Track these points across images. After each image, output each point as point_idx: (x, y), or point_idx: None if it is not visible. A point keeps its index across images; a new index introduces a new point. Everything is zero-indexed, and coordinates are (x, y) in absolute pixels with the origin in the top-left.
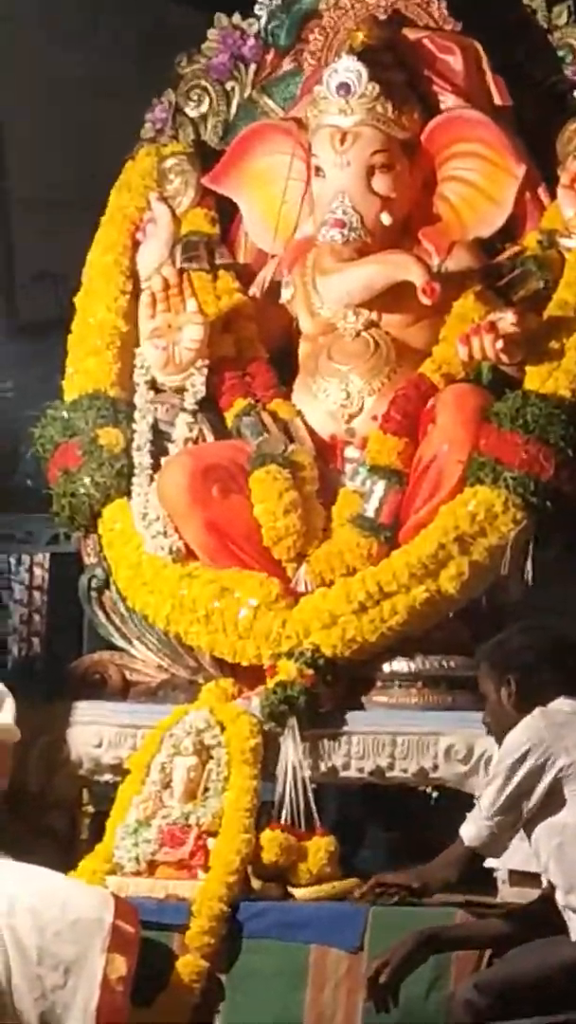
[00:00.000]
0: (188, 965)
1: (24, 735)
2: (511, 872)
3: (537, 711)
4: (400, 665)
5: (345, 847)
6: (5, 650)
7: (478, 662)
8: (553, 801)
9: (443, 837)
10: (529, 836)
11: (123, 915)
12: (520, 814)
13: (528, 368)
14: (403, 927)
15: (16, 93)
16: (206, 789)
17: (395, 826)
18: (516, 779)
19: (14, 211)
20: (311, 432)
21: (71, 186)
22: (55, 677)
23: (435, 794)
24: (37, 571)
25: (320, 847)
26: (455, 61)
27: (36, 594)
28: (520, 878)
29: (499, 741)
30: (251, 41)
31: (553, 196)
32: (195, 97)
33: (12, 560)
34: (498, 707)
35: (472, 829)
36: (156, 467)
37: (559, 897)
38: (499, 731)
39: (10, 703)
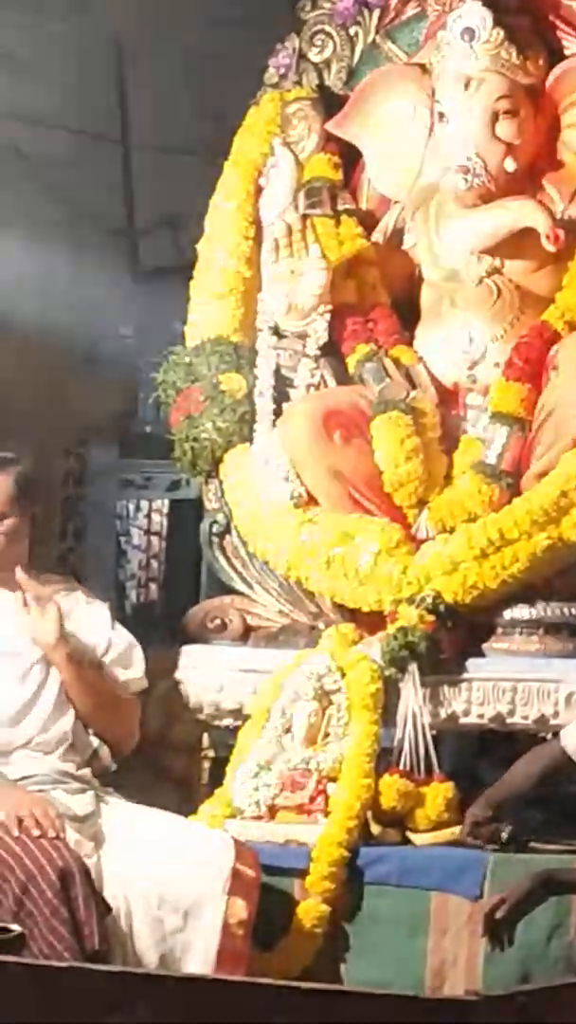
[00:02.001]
0: (309, 910)
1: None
2: None
3: None
4: (521, 612)
5: (464, 794)
6: (124, 595)
7: None
8: None
9: (562, 784)
10: None
11: (243, 859)
12: None
13: None
14: (522, 873)
15: (137, 36)
16: (326, 734)
17: None
18: None
19: (134, 156)
20: (433, 378)
21: (192, 131)
22: (173, 622)
23: None
24: (156, 517)
25: (439, 793)
26: None
27: (154, 540)
28: None
29: None
30: None
31: None
32: (319, 42)
33: (131, 506)
34: None
35: (572, 730)
36: (278, 413)
37: None
38: None
39: (139, 655)
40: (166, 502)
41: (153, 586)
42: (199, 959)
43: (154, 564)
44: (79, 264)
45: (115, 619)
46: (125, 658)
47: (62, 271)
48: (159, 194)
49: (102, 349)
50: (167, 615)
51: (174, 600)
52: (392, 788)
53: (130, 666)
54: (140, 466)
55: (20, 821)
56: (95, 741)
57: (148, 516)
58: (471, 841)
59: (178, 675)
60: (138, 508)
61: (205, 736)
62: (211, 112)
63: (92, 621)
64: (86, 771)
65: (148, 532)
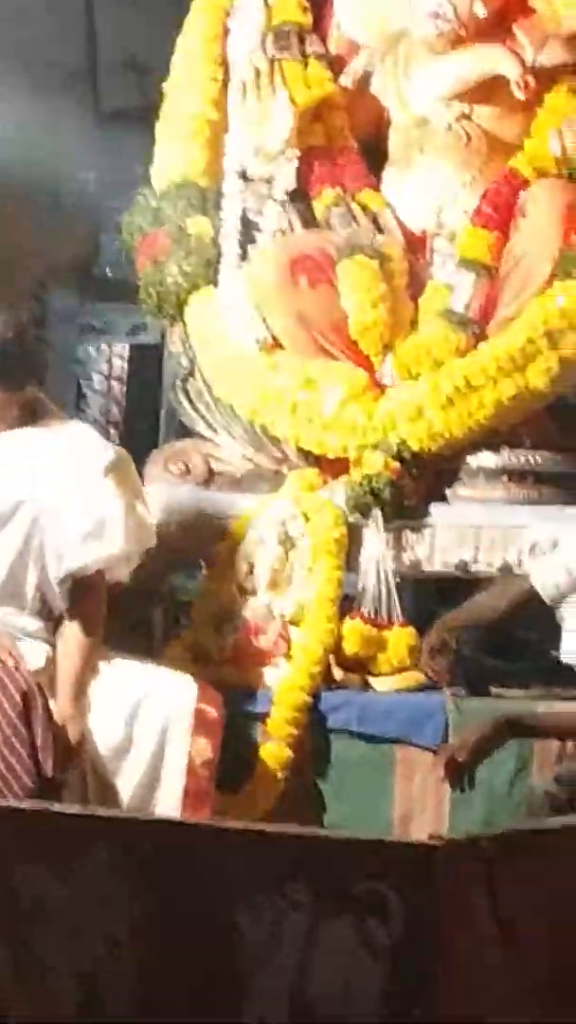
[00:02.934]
0: (272, 753)
1: None
2: None
3: None
4: (486, 459)
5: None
6: None
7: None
8: None
9: (524, 630)
10: None
11: (207, 700)
12: None
13: None
14: (484, 718)
15: None
16: (290, 579)
17: None
18: None
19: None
20: (400, 224)
21: None
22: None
23: None
24: (116, 361)
25: (401, 638)
26: None
27: (115, 384)
28: None
29: None
30: None
31: None
32: None
33: (92, 350)
34: None
35: (545, 569)
36: (244, 256)
37: None
38: None
39: (116, 525)
40: (127, 347)
41: (113, 431)
42: (165, 799)
43: (114, 409)
44: (39, 107)
45: None
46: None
47: (22, 115)
48: (122, 35)
49: (63, 193)
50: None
51: (134, 445)
52: (355, 633)
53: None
54: (101, 310)
55: None
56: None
57: (109, 361)
58: (429, 673)
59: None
60: (99, 352)
61: (170, 580)
62: None
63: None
64: (43, 624)
65: (109, 377)
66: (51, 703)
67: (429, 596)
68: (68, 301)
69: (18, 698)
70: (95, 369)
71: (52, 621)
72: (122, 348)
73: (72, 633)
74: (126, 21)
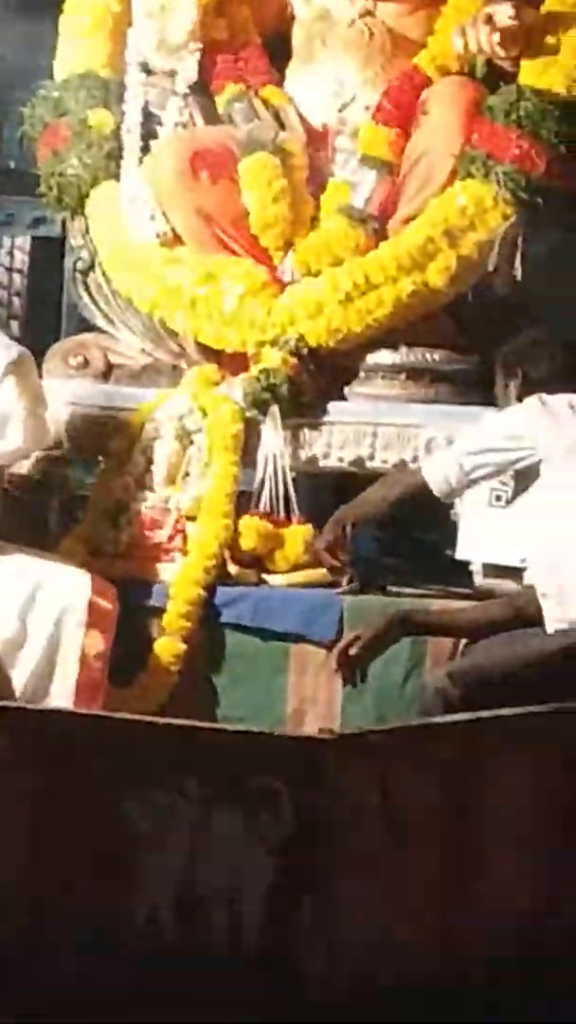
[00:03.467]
0: (166, 647)
1: None
2: (485, 565)
3: (536, 397)
4: (384, 357)
5: None
6: None
7: (494, 363)
8: (528, 481)
9: (421, 531)
10: (505, 524)
11: (101, 593)
12: (485, 469)
13: (523, 63)
14: (379, 615)
15: None
16: (186, 474)
17: None
18: (500, 439)
19: None
20: (302, 120)
21: None
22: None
23: None
24: (18, 254)
25: (298, 535)
26: None
27: (16, 277)
28: (495, 571)
29: None
30: None
31: None
32: None
33: None
34: (505, 403)
35: (435, 462)
36: (146, 150)
37: (535, 582)
38: None
39: (16, 423)
40: (28, 239)
41: (14, 324)
42: (59, 690)
43: (16, 301)
44: None
45: None
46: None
47: None
48: None
49: None
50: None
51: (36, 338)
52: (251, 529)
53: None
54: (3, 202)
55: None
56: None
57: (10, 253)
58: (325, 566)
59: (39, 411)
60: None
61: (65, 473)
62: None
63: None
64: None
65: (10, 269)
66: None
67: (326, 493)
68: None
69: None
70: None
71: None
72: (24, 240)
73: None
74: None
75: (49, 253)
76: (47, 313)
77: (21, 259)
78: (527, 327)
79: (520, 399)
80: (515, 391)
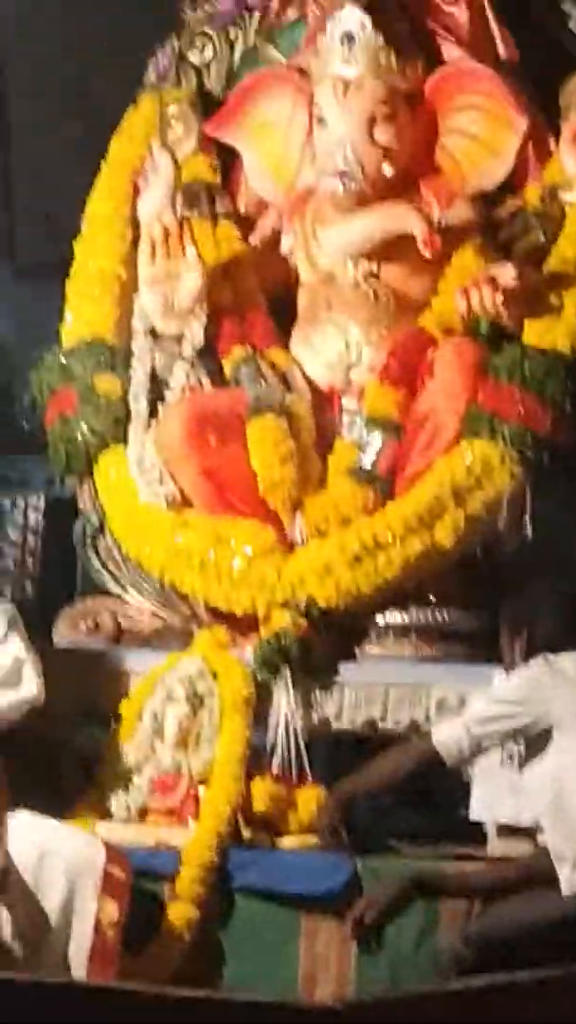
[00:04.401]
0: (178, 913)
1: None
2: (499, 826)
3: (542, 657)
4: (394, 617)
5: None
6: None
7: (480, 621)
8: (539, 745)
9: (433, 787)
10: (518, 785)
11: (114, 861)
12: (495, 737)
13: (527, 322)
14: (392, 877)
15: (17, 30)
16: (198, 737)
17: None
18: (508, 706)
19: (14, 151)
20: (309, 382)
21: (73, 129)
22: (48, 621)
23: None
24: (32, 514)
25: (310, 797)
26: (460, 12)
27: (31, 537)
28: (508, 832)
29: None
30: None
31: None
32: (199, 44)
33: (7, 502)
34: (511, 664)
35: (446, 730)
36: (153, 414)
37: (550, 847)
38: None
39: (29, 671)
40: (42, 499)
41: (29, 584)
42: (73, 959)
43: (30, 561)
44: None
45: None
46: (13, 677)
47: None
48: (39, 190)
49: None
50: (42, 613)
51: (51, 599)
52: (264, 792)
53: (19, 684)
54: (17, 462)
55: None
56: None
57: (25, 513)
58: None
59: (50, 675)
60: (15, 504)
61: (77, 737)
62: (93, 110)
63: None
64: None
65: (25, 529)
66: None
67: (342, 753)
68: None
69: None
70: (11, 521)
71: None
72: (39, 500)
73: None
74: (43, 176)
75: (63, 513)
76: (63, 573)
77: (36, 519)
78: (532, 584)
79: (526, 657)
80: (520, 649)
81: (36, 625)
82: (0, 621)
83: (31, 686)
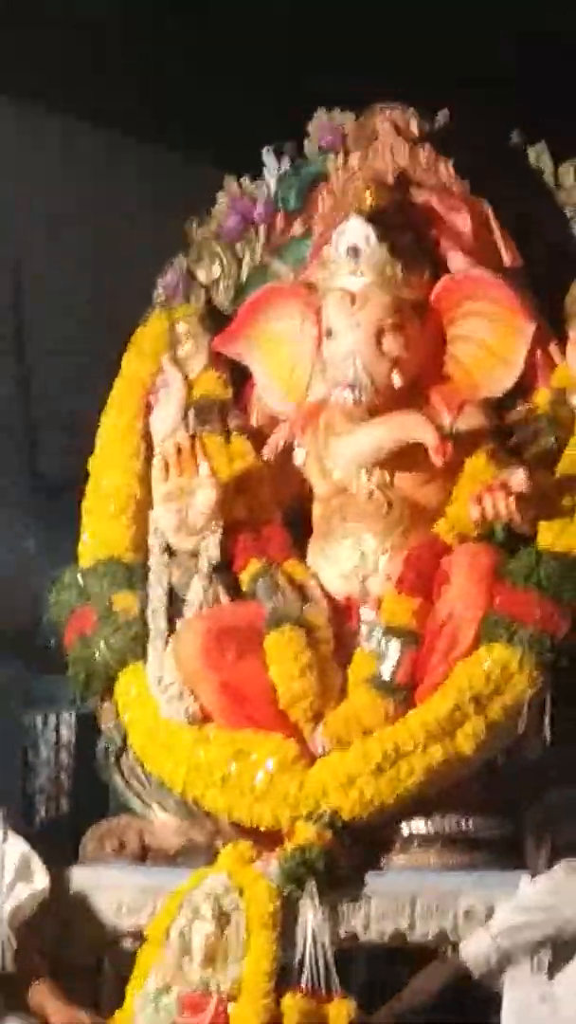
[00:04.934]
0: None
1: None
2: None
3: (567, 862)
4: (418, 825)
5: (370, 1010)
6: (33, 810)
7: (503, 828)
8: (569, 952)
9: (463, 996)
10: (549, 993)
11: None
12: (524, 947)
13: (541, 525)
14: None
15: (32, 244)
16: (225, 955)
17: None
18: (533, 913)
19: (35, 365)
20: (326, 593)
21: (91, 343)
22: (81, 838)
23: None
24: (64, 730)
25: (341, 1011)
26: (463, 221)
27: (63, 753)
28: None
29: None
30: (261, 205)
31: (563, 354)
32: (206, 261)
33: (39, 719)
34: (536, 871)
35: (473, 944)
36: (171, 630)
37: None
38: None
39: (37, 862)
40: (73, 715)
41: (63, 800)
42: None
43: (63, 777)
44: None
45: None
46: (24, 872)
47: None
48: (60, 403)
49: (4, 562)
50: (76, 830)
51: (84, 814)
52: (294, 1008)
53: (31, 877)
54: (46, 679)
55: None
56: None
57: (56, 730)
58: None
59: (77, 895)
60: (45, 722)
61: (105, 958)
62: (108, 324)
63: None
64: None
65: (57, 746)
66: None
67: (374, 965)
68: (11, 670)
69: None
70: (42, 739)
71: None
72: (69, 717)
73: None
74: (64, 387)
75: (93, 729)
76: (93, 790)
77: (67, 735)
78: (555, 789)
79: (550, 864)
80: (545, 856)
81: (71, 842)
82: None
83: (42, 878)
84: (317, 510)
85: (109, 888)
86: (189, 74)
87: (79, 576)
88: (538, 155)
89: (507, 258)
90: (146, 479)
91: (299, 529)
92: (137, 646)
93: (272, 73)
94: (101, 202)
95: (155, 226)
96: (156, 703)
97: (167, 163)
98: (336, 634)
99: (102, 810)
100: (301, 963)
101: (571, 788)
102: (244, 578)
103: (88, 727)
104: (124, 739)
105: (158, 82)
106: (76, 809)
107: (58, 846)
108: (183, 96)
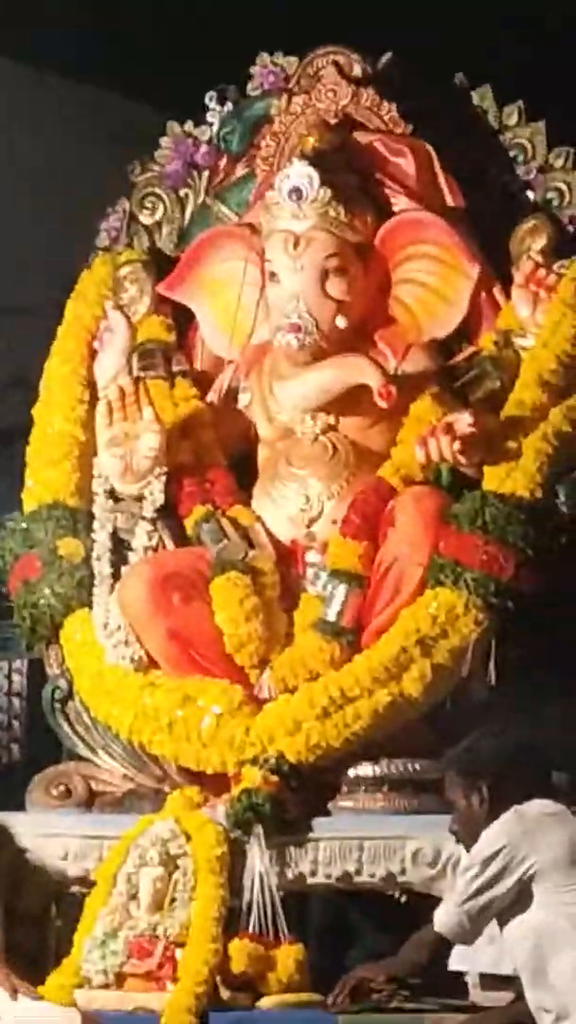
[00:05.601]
0: None
1: None
2: (481, 976)
3: (513, 811)
4: (365, 770)
5: (314, 955)
6: None
7: (445, 770)
8: (522, 898)
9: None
10: (501, 933)
11: None
12: (490, 905)
13: (486, 468)
14: None
15: None
16: (173, 899)
17: (365, 932)
18: (489, 872)
19: None
20: (271, 537)
21: (36, 293)
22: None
23: (403, 898)
24: (15, 677)
25: (288, 956)
26: (407, 163)
27: (15, 700)
28: (491, 981)
29: (468, 848)
30: (204, 148)
31: (508, 296)
32: (149, 205)
33: None
34: (467, 814)
35: (443, 915)
36: (117, 576)
37: (531, 998)
38: (469, 838)
39: None
40: (25, 662)
41: (15, 747)
42: None
43: (15, 725)
44: None
45: None
46: None
47: None
48: (8, 356)
49: None
50: (28, 777)
51: (36, 761)
52: (242, 952)
53: None
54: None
55: None
56: None
57: (8, 677)
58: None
59: (23, 843)
60: None
61: (53, 905)
62: (50, 272)
63: None
64: None
65: (8, 693)
66: None
67: (318, 908)
68: None
69: None
70: None
71: None
72: (21, 663)
73: None
74: (16, 340)
75: (46, 676)
76: (46, 737)
77: (20, 682)
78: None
79: (491, 807)
80: (478, 801)
81: (23, 789)
82: None
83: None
84: (262, 453)
85: (56, 835)
86: (132, 17)
87: (23, 522)
88: (482, 96)
89: (450, 199)
90: (90, 424)
91: (244, 473)
92: (82, 592)
93: (216, 17)
94: (41, 150)
95: (96, 172)
96: (102, 649)
97: (109, 106)
98: (282, 578)
99: (56, 756)
100: (249, 907)
101: (503, 730)
102: (189, 523)
103: (41, 673)
104: (70, 685)
105: (101, 24)
106: (29, 756)
107: (10, 793)
108: (127, 39)
